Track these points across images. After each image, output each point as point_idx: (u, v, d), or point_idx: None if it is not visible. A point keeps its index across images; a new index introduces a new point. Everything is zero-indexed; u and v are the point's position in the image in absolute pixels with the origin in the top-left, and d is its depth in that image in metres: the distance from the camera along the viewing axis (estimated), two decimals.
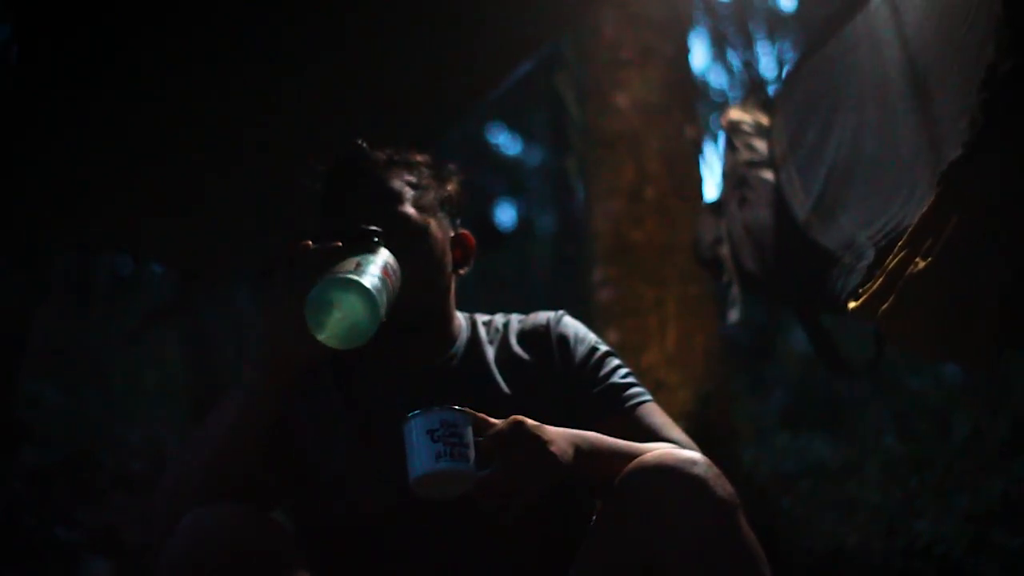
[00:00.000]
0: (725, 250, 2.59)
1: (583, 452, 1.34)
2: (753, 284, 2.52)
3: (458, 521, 1.42)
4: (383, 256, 1.35)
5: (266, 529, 1.30)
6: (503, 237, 10.15)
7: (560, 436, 1.32)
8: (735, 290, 2.56)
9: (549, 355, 1.55)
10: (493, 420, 1.31)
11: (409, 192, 1.54)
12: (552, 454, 1.28)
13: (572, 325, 1.59)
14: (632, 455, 1.35)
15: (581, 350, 1.56)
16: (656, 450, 1.36)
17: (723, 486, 1.28)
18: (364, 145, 1.57)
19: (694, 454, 1.33)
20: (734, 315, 2.59)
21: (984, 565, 2.55)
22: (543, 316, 1.61)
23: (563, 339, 1.57)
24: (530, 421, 1.30)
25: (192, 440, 1.43)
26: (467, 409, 1.30)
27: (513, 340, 1.58)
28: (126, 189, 2.51)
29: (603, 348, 1.57)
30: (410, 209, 1.52)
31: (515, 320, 1.62)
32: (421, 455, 1.26)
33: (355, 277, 1.26)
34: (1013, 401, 3.42)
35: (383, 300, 1.28)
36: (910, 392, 4.15)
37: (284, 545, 1.31)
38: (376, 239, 1.37)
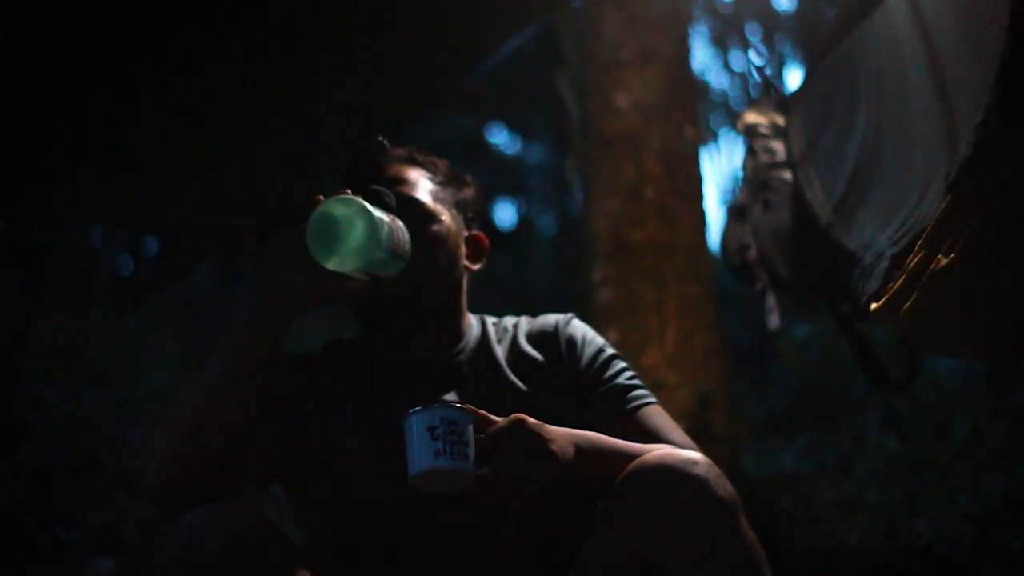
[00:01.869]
0: (753, 255, 2.57)
1: (584, 451, 1.34)
2: (787, 289, 2.50)
3: (460, 518, 1.42)
4: (392, 215, 1.40)
5: (263, 531, 1.30)
6: (503, 237, 10.13)
7: (561, 435, 1.32)
8: (771, 297, 2.53)
9: (558, 356, 1.57)
10: (494, 418, 1.31)
11: (426, 184, 1.60)
12: (552, 452, 1.28)
13: (581, 328, 1.61)
14: (633, 456, 1.36)
15: (588, 352, 1.57)
16: (657, 450, 1.36)
17: (724, 486, 1.28)
18: (384, 141, 1.62)
19: (695, 454, 1.33)
20: (773, 322, 2.56)
21: (984, 565, 2.55)
22: (552, 318, 1.63)
23: (571, 341, 1.58)
24: (531, 420, 1.30)
25: (190, 380, 1.41)
26: (468, 406, 1.30)
27: (522, 340, 1.60)
28: (103, 157, 2.51)
29: (610, 351, 1.58)
30: (426, 197, 1.57)
31: (524, 321, 1.64)
32: (421, 452, 1.27)
33: (356, 198, 1.34)
34: (1013, 401, 3.42)
35: (383, 231, 1.34)
36: (910, 392, 4.14)
37: (281, 547, 1.31)
38: (387, 199, 1.44)
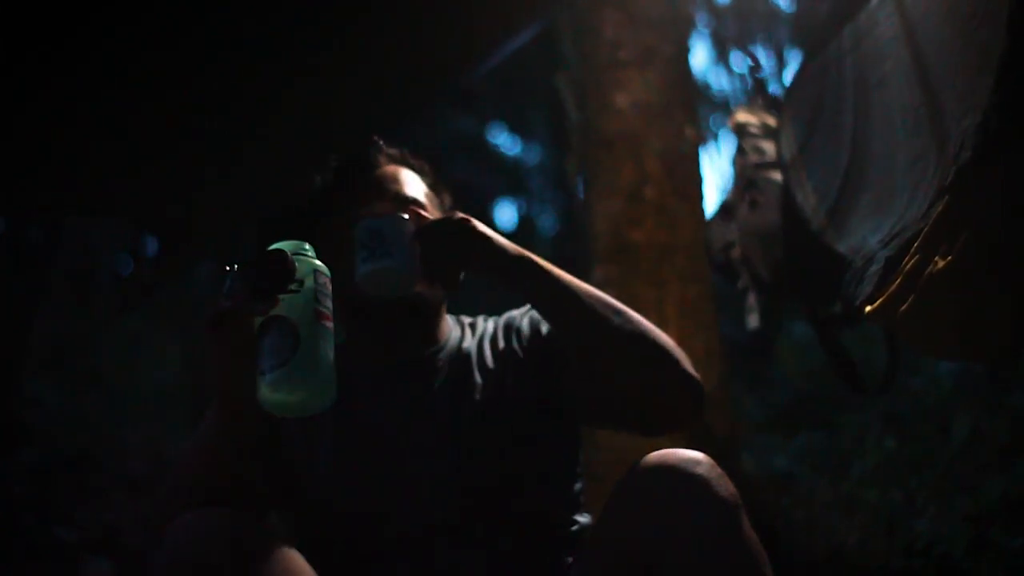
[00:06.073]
0: (737, 254, 2.58)
1: (527, 257, 1.46)
2: (767, 289, 2.50)
3: (448, 521, 1.42)
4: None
5: (256, 529, 1.29)
6: (503, 237, 10.11)
7: (494, 235, 1.46)
8: (751, 296, 2.54)
9: (518, 339, 1.62)
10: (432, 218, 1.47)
11: (420, 186, 1.66)
12: (475, 230, 1.43)
13: (536, 313, 1.65)
14: (594, 294, 1.50)
15: (534, 319, 1.64)
16: (658, 451, 1.36)
17: (726, 486, 1.28)
18: (379, 141, 1.68)
19: (697, 454, 1.33)
20: (753, 321, 2.57)
21: (984, 565, 2.55)
22: (515, 311, 1.69)
23: (525, 322, 1.64)
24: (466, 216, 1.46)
25: (184, 450, 1.42)
26: (399, 215, 1.43)
27: (488, 337, 1.64)
28: (104, 152, 2.51)
29: None
30: (423, 198, 1.63)
31: (494, 319, 1.69)
32: (357, 260, 1.41)
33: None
34: (1013, 401, 3.42)
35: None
36: (909, 392, 4.15)
37: (276, 544, 1.31)
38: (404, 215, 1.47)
